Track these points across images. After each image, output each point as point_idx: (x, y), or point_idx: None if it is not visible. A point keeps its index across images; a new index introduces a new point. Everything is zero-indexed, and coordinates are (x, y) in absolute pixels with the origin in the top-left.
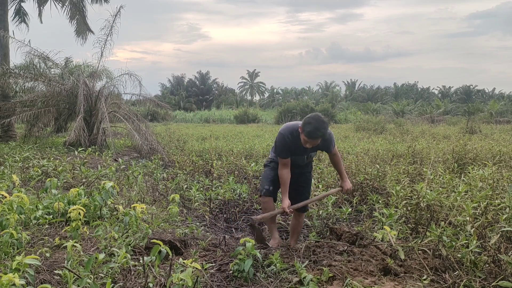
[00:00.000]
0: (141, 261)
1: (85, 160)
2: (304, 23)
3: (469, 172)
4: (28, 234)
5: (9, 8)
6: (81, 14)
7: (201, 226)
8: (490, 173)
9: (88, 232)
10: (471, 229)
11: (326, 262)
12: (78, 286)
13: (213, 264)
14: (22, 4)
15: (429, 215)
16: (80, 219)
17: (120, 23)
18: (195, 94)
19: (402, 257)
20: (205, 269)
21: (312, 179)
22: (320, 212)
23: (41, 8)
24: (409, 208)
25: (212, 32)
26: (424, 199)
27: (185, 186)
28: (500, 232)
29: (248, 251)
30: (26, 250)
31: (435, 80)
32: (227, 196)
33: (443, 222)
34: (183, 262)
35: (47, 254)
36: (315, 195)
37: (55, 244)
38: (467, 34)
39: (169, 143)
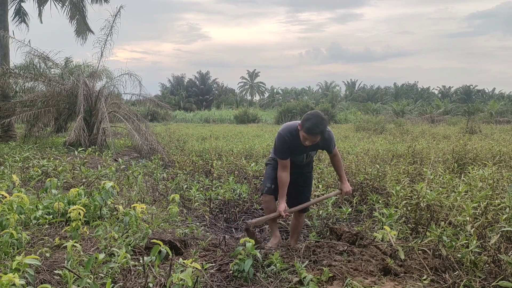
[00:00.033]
0: (141, 261)
1: (85, 160)
2: (304, 23)
3: (469, 172)
4: (28, 234)
5: (9, 8)
6: (81, 14)
7: (201, 226)
8: (490, 173)
9: (88, 232)
10: (471, 229)
11: (326, 262)
12: (78, 286)
13: (213, 264)
14: (22, 4)
15: (429, 215)
16: (80, 219)
17: (120, 23)
18: (195, 94)
19: (402, 257)
20: (205, 269)
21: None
22: (320, 212)
23: (41, 8)
24: (409, 208)
25: (212, 32)
26: (424, 199)
27: (185, 186)
28: (500, 232)
29: (248, 251)
30: (26, 250)
31: (435, 80)
32: (227, 196)
33: (443, 222)
34: (183, 262)
35: (47, 254)
36: (315, 195)
37: (55, 244)
38: (467, 34)
39: (169, 143)
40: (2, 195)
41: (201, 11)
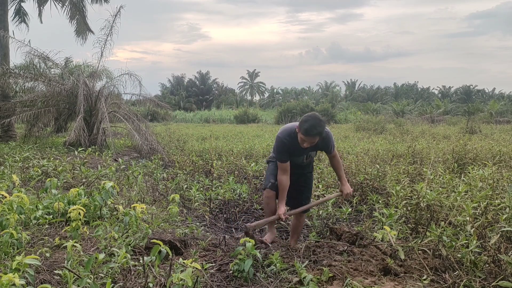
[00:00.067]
0: (141, 261)
1: (85, 160)
2: (304, 23)
3: (469, 172)
4: (28, 234)
5: (9, 8)
6: (81, 14)
7: (201, 226)
8: (490, 173)
9: (88, 232)
10: (471, 229)
11: (326, 262)
12: (78, 286)
13: (213, 264)
14: (22, 4)
15: (429, 215)
16: (80, 219)
17: (120, 23)
18: (195, 94)
19: (402, 257)
20: (205, 269)
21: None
22: (320, 212)
23: (41, 8)
24: (409, 208)
25: (212, 32)
26: (424, 199)
27: (185, 186)
28: (500, 232)
29: (248, 251)
30: (26, 250)
31: (435, 80)
32: (227, 196)
33: (443, 222)
34: (183, 262)
35: (47, 254)
36: (315, 195)
37: (55, 244)
38: (467, 34)
39: (169, 143)
40: (2, 195)
41: (201, 11)
